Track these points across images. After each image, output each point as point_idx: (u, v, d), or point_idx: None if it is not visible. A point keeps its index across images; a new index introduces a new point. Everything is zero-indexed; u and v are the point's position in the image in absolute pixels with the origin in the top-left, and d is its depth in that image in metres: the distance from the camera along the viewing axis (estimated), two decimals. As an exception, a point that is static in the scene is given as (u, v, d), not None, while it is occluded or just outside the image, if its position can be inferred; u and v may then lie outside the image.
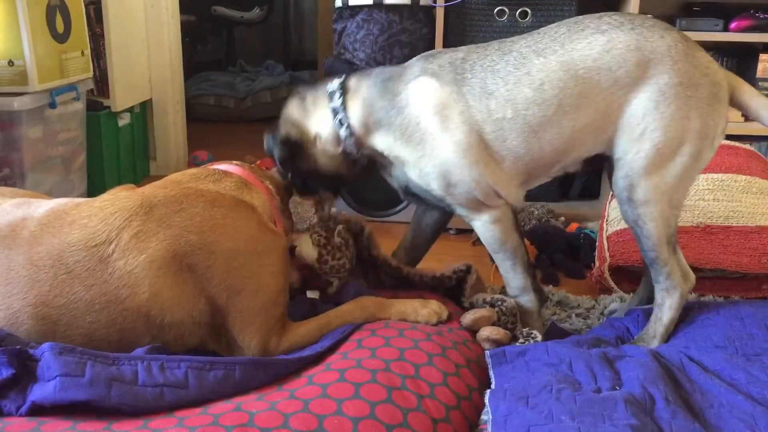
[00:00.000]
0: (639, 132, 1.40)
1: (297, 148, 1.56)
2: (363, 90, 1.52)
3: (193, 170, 1.42)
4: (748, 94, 1.47)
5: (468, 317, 1.44)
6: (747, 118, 1.51)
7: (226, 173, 1.42)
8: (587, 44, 1.40)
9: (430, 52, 1.55)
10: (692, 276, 1.50)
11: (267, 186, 1.48)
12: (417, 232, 1.74)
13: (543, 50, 1.42)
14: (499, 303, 1.50)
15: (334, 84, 1.54)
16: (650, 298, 1.56)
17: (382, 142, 1.51)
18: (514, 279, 1.56)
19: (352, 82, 1.55)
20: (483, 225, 1.52)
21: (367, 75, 1.55)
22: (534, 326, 1.57)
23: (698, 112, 1.39)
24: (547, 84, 1.40)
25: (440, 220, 1.72)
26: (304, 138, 1.56)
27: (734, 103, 1.47)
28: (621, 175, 1.44)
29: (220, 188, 1.36)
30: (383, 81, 1.51)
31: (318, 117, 1.55)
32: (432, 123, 1.44)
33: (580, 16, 1.47)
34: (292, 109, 1.58)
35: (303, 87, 1.62)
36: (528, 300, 1.57)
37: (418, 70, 1.49)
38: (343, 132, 1.52)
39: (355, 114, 1.52)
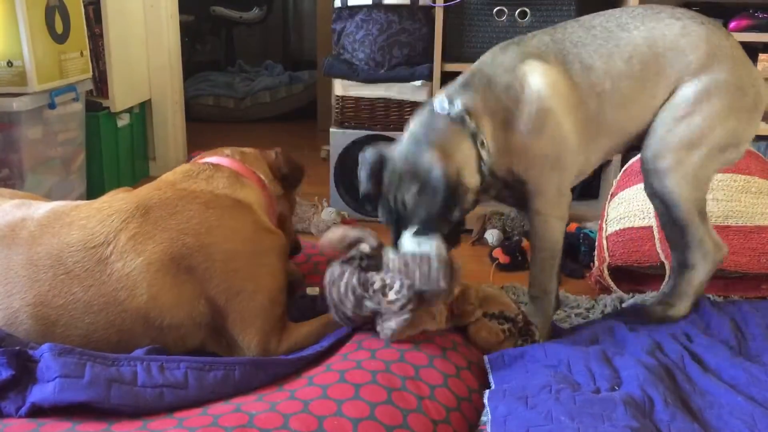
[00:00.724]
0: (682, 114, 1.44)
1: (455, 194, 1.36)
2: (479, 100, 1.40)
3: (185, 167, 1.41)
4: None
5: (323, 241, 1.33)
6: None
7: (217, 167, 1.41)
8: (666, 25, 1.45)
9: (507, 41, 1.49)
10: (725, 247, 1.55)
11: (259, 177, 1.46)
12: None
13: (626, 25, 1.46)
14: (511, 321, 1.42)
15: (455, 105, 1.39)
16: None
17: (512, 144, 1.41)
18: (550, 281, 1.54)
19: (464, 98, 1.40)
20: (555, 221, 1.49)
21: (466, 85, 1.43)
22: (543, 329, 1.56)
23: (737, 116, 1.46)
24: (635, 58, 1.44)
25: None
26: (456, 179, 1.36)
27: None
28: (650, 143, 1.47)
29: (213, 187, 1.35)
30: (488, 83, 1.42)
31: (460, 149, 1.38)
32: (553, 104, 1.41)
33: (649, 4, 1.51)
34: (429, 150, 1.34)
35: (412, 125, 1.42)
36: (546, 303, 1.56)
37: (515, 56, 1.43)
38: (485, 154, 1.39)
39: (488, 129, 1.39)
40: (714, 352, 1.34)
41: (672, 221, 1.50)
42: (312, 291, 1.59)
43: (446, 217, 1.36)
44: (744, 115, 1.47)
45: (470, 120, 1.38)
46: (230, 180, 1.39)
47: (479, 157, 1.39)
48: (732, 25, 2.45)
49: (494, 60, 1.46)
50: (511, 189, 1.49)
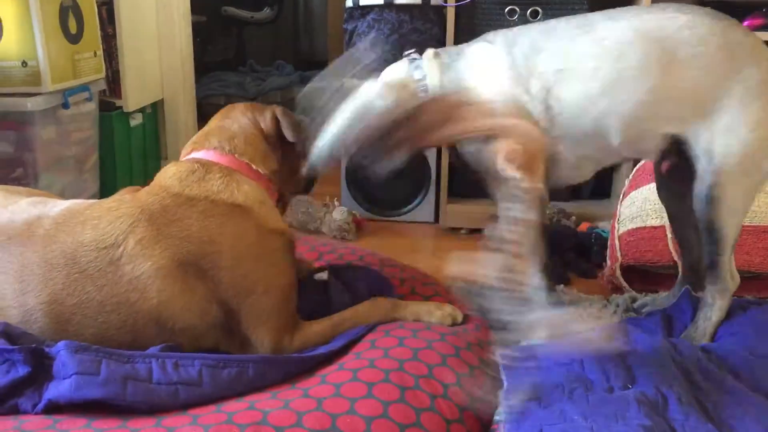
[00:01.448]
0: (725, 125, 1.35)
1: None
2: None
3: (174, 169, 1.35)
4: None
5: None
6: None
7: (208, 166, 1.35)
8: (668, 18, 1.37)
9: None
10: (737, 276, 1.50)
11: (254, 170, 1.39)
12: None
13: (616, 15, 1.40)
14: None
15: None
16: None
17: None
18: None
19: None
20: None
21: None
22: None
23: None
24: (609, 39, 1.36)
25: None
26: None
27: None
28: (706, 166, 1.38)
29: (208, 191, 1.30)
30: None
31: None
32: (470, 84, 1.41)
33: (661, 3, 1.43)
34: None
35: None
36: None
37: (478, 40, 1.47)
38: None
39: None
40: (729, 351, 1.33)
41: (706, 250, 1.45)
42: (320, 276, 1.58)
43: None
44: None
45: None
46: (224, 180, 1.33)
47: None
48: (745, 23, 2.44)
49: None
50: None
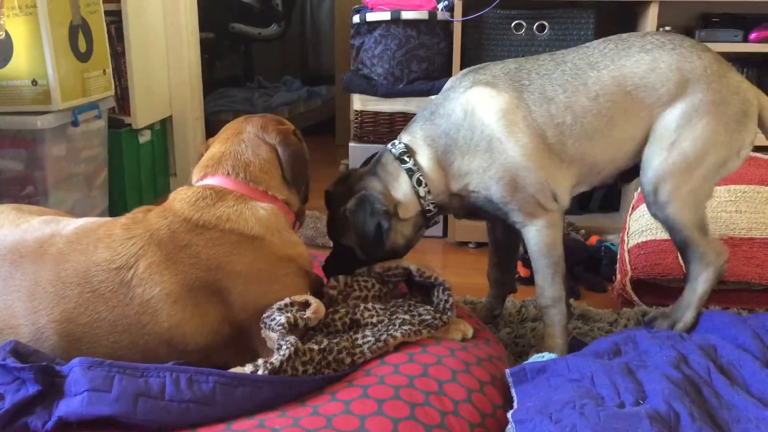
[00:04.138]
0: (669, 142, 1.48)
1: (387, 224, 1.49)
2: (419, 136, 1.53)
3: (185, 194, 1.33)
4: None
5: None
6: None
7: (220, 193, 1.32)
8: (635, 62, 1.48)
9: (473, 67, 1.57)
10: (725, 252, 1.57)
11: (269, 195, 1.37)
12: (499, 253, 1.78)
13: (596, 64, 1.49)
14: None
15: (397, 147, 1.53)
16: None
17: (457, 169, 1.50)
18: (552, 288, 1.56)
19: (406, 137, 1.55)
20: (538, 230, 1.52)
21: (414, 123, 1.56)
22: (558, 342, 1.56)
23: (726, 127, 1.48)
24: (602, 96, 1.47)
25: (511, 234, 1.72)
26: (390, 211, 1.50)
27: (759, 122, 1.55)
28: (646, 179, 1.52)
29: (218, 219, 1.28)
30: (431, 114, 1.52)
31: (398, 184, 1.52)
32: (497, 128, 1.45)
33: (625, 34, 1.56)
34: (373, 183, 1.52)
35: (368, 166, 1.58)
36: (558, 312, 1.57)
37: (468, 83, 1.51)
38: (422, 191, 1.51)
39: (426, 162, 1.51)
40: (741, 365, 1.32)
41: (675, 241, 1.56)
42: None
43: (381, 243, 1.49)
44: (733, 125, 1.49)
45: (408, 159, 1.50)
46: (237, 208, 1.31)
47: (417, 193, 1.51)
48: (752, 35, 2.44)
49: (450, 87, 1.56)
50: (481, 209, 1.55)
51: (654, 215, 1.56)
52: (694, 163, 1.48)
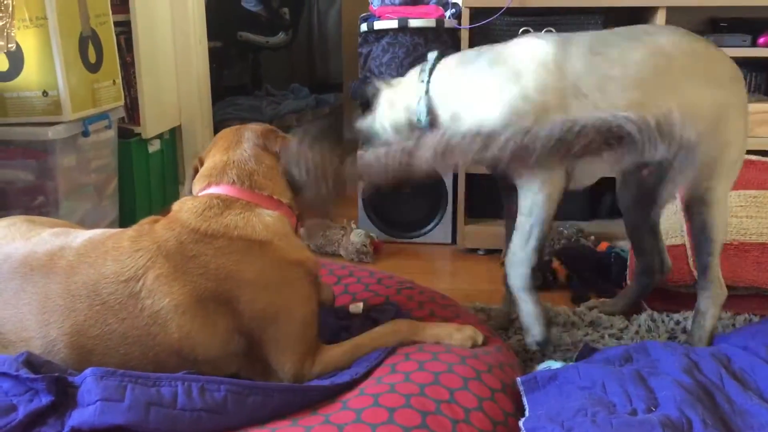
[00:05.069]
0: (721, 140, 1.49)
1: None
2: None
3: (191, 204, 1.33)
4: None
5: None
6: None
7: (227, 202, 1.32)
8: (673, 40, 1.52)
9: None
10: (725, 288, 1.60)
11: (276, 200, 1.38)
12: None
13: (641, 34, 1.52)
14: None
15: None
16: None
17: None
18: (522, 251, 1.53)
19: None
20: (538, 185, 1.48)
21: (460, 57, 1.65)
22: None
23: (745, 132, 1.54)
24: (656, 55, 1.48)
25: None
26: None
27: None
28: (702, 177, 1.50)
29: (226, 228, 1.28)
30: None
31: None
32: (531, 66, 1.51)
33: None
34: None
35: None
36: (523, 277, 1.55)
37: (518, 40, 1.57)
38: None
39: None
40: (754, 371, 1.31)
41: (701, 255, 1.57)
42: (355, 308, 1.58)
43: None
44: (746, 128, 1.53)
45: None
46: (244, 216, 1.31)
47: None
48: (761, 40, 2.43)
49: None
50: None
51: (694, 220, 1.56)
52: (735, 160, 1.53)
